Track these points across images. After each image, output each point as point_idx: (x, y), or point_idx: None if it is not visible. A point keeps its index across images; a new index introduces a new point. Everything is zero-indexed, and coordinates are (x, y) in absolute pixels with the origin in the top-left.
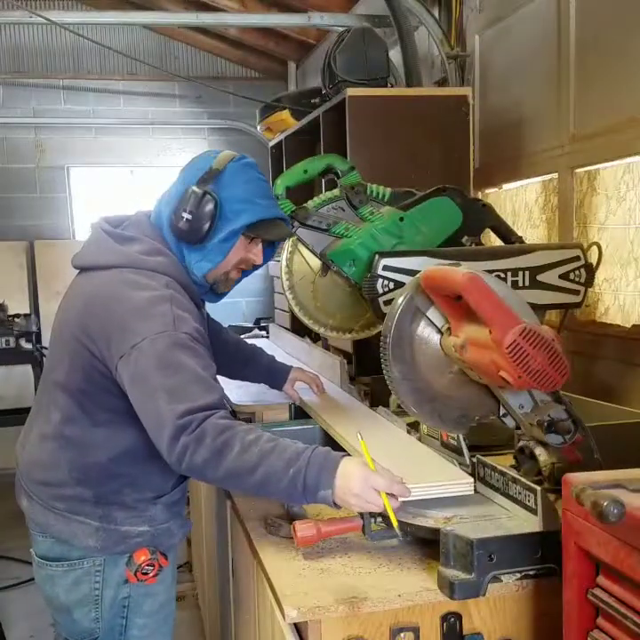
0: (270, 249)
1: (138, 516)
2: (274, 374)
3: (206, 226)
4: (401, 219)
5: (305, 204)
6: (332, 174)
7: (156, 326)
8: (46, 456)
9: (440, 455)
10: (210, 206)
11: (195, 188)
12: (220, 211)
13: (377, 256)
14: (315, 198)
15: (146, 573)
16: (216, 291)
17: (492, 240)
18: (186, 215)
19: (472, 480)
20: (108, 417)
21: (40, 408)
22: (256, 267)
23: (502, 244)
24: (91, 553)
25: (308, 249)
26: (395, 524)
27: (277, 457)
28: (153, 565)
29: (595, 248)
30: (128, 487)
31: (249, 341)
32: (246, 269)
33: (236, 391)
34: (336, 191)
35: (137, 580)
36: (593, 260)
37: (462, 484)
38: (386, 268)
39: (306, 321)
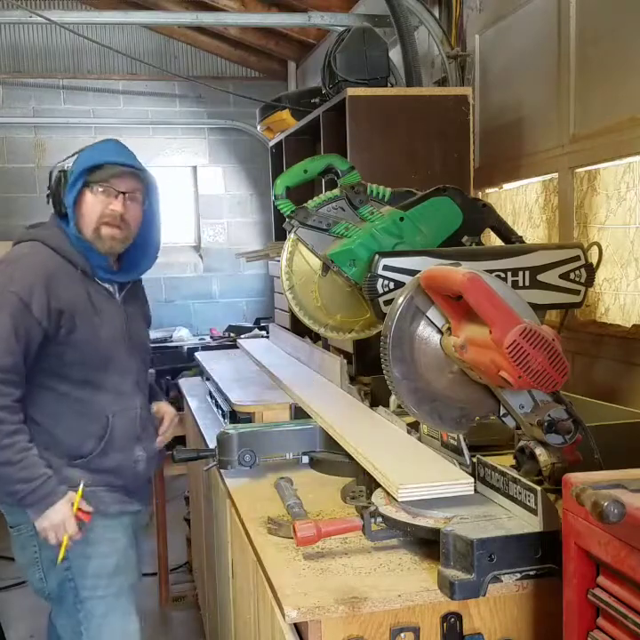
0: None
1: (56, 475)
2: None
3: (57, 192)
4: (401, 218)
5: (305, 204)
6: (332, 174)
7: None
8: None
9: (440, 455)
10: (57, 176)
11: (54, 173)
12: (67, 177)
13: (377, 256)
14: (315, 198)
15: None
16: (98, 250)
17: (492, 240)
18: (48, 191)
19: (472, 480)
20: (14, 377)
21: None
22: (124, 221)
23: (502, 243)
24: (25, 520)
25: (308, 249)
26: (61, 557)
27: (7, 454)
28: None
29: (595, 248)
30: (41, 444)
31: (249, 341)
32: (113, 223)
33: (237, 391)
34: (336, 191)
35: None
36: (593, 259)
37: (462, 484)
38: (386, 267)
39: (306, 321)
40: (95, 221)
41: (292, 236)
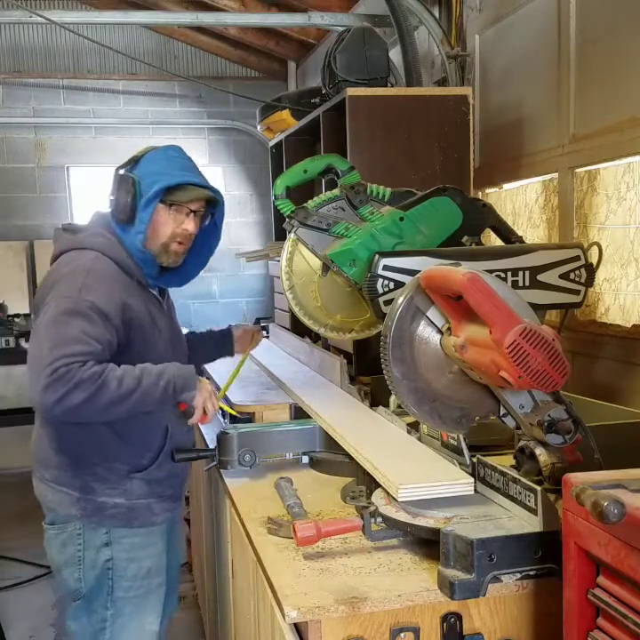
0: (213, 218)
1: (113, 488)
2: (219, 345)
3: (126, 201)
4: (401, 218)
5: (305, 204)
6: (332, 174)
7: (63, 291)
8: (36, 434)
9: (440, 455)
10: (127, 184)
11: (119, 173)
12: (139, 187)
13: (377, 256)
14: (315, 198)
15: None
16: (161, 263)
17: (492, 240)
18: (110, 197)
19: (472, 480)
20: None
21: None
22: (194, 240)
23: (502, 243)
24: (73, 520)
25: (308, 249)
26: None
27: (148, 379)
28: None
29: (595, 248)
30: (97, 457)
31: None
32: (183, 242)
33: (237, 392)
34: (336, 191)
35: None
36: (593, 259)
37: (463, 484)
38: (386, 267)
39: (306, 321)
40: (167, 238)
41: (291, 236)
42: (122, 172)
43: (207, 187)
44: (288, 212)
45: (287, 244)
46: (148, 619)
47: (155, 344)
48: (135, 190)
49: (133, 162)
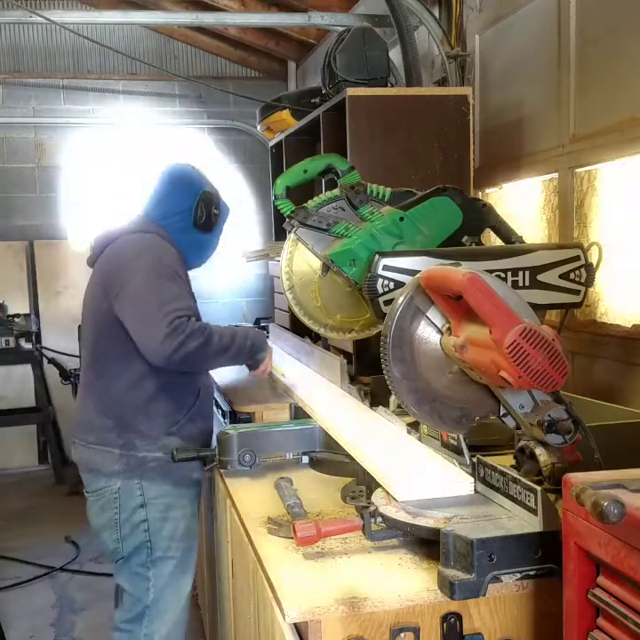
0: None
1: (153, 443)
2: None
3: (211, 219)
4: (401, 218)
5: (305, 204)
6: (332, 174)
7: (142, 264)
8: (80, 401)
9: (439, 454)
10: (215, 210)
11: (215, 195)
12: (218, 213)
13: (377, 256)
14: (315, 198)
15: None
16: (189, 268)
17: (492, 240)
18: (214, 211)
19: (472, 480)
20: (118, 354)
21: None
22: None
23: (502, 243)
24: (115, 478)
25: (308, 249)
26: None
27: (239, 338)
28: None
29: (595, 247)
30: (142, 414)
31: None
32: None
33: (237, 391)
34: (336, 191)
35: None
36: (593, 259)
37: (462, 483)
38: (386, 267)
39: (306, 321)
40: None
41: (291, 236)
42: (217, 196)
43: None
44: (288, 212)
45: (287, 244)
46: (186, 579)
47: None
48: (220, 217)
49: (215, 192)
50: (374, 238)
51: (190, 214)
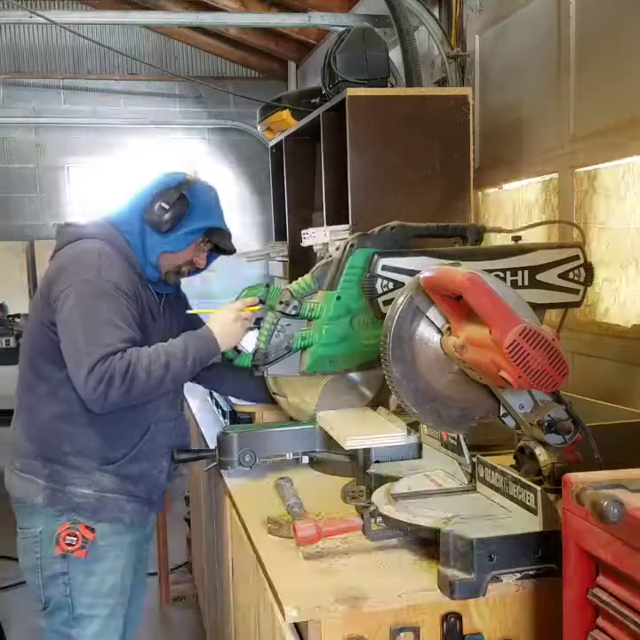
0: (210, 259)
1: (82, 478)
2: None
3: (175, 218)
4: (338, 297)
5: (257, 347)
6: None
7: (81, 274)
8: (13, 422)
9: (385, 418)
10: (183, 204)
11: (173, 188)
12: (190, 210)
13: (376, 256)
14: (259, 337)
15: (70, 544)
16: (167, 280)
17: (492, 241)
18: (162, 204)
19: (405, 433)
20: (50, 376)
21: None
22: (197, 270)
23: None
24: (37, 516)
25: (287, 377)
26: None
27: (174, 362)
28: (75, 536)
29: (576, 230)
30: (68, 445)
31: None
32: (191, 269)
33: None
34: (270, 317)
35: (63, 550)
36: (580, 239)
37: (397, 435)
38: (385, 267)
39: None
40: (184, 262)
41: (268, 377)
42: (178, 190)
43: (231, 234)
44: (249, 365)
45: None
46: None
47: (148, 341)
48: (187, 211)
49: (188, 184)
50: (331, 331)
51: (143, 211)
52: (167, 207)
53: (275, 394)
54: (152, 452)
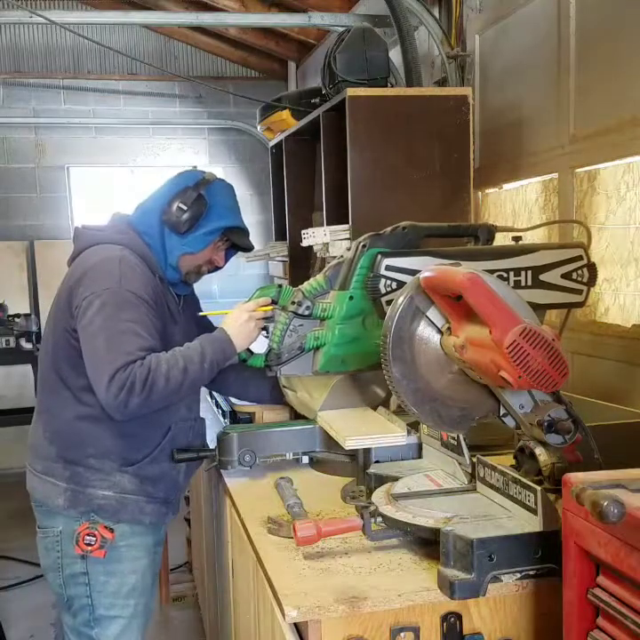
0: (230, 254)
1: (103, 480)
2: (278, 389)
3: (193, 218)
4: (350, 297)
5: (271, 348)
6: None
7: (103, 283)
8: (33, 425)
9: (384, 417)
10: (201, 204)
11: (191, 188)
12: (208, 210)
13: (379, 256)
14: (272, 337)
15: (89, 544)
16: (187, 280)
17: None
18: (180, 205)
19: (405, 433)
20: (73, 382)
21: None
22: (216, 268)
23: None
24: (59, 517)
25: (300, 378)
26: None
27: (192, 366)
28: (94, 536)
29: (582, 228)
30: (91, 447)
31: None
32: (211, 268)
33: None
34: (282, 319)
35: (82, 550)
36: (584, 239)
37: (395, 436)
38: (388, 268)
39: (313, 409)
40: (204, 262)
41: (282, 379)
42: (196, 190)
43: (248, 231)
44: (262, 365)
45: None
46: None
47: (170, 343)
48: (205, 212)
49: (206, 184)
50: (343, 331)
51: (161, 212)
52: (185, 208)
53: (284, 387)
54: (171, 453)
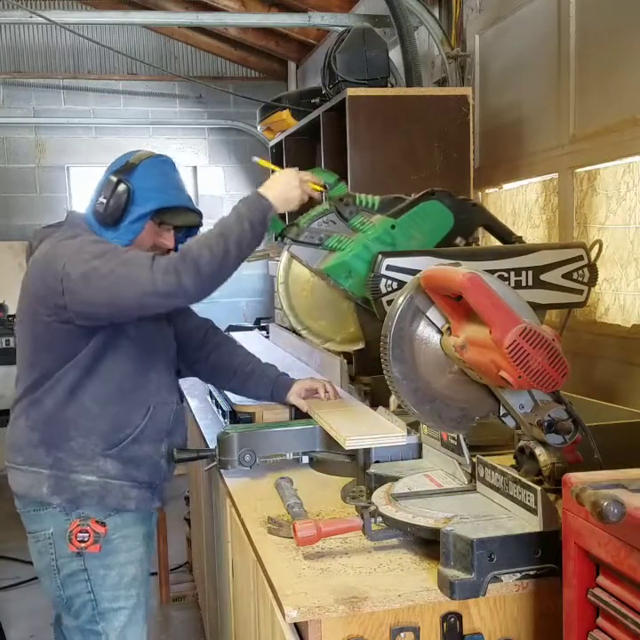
0: (183, 235)
1: (86, 464)
2: (279, 387)
3: (118, 209)
4: (392, 226)
5: (296, 221)
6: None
7: (72, 245)
8: (12, 422)
9: (384, 417)
10: (122, 191)
11: (111, 177)
12: (132, 196)
13: (380, 256)
14: (305, 214)
15: (82, 540)
16: None
17: (492, 240)
18: (101, 199)
19: (404, 433)
20: (53, 364)
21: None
22: (168, 251)
23: (499, 243)
24: (47, 509)
25: (303, 265)
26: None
27: (228, 229)
28: (86, 532)
29: (596, 247)
30: (74, 429)
31: (247, 340)
32: (162, 254)
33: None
34: (325, 205)
35: (77, 548)
36: (585, 240)
37: (395, 436)
38: (389, 267)
39: (289, 316)
40: (146, 249)
41: (285, 253)
42: (116, 177)
43: (195, 211)
44: (279, 230)
45: (283, 257)
46: (142, 630)
47: (148, 336)
48: (128, 199)
49: (129, 169)
50: (367, 249)
51: (92, 208)
52: (105, 200)
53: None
54: (153, 435)
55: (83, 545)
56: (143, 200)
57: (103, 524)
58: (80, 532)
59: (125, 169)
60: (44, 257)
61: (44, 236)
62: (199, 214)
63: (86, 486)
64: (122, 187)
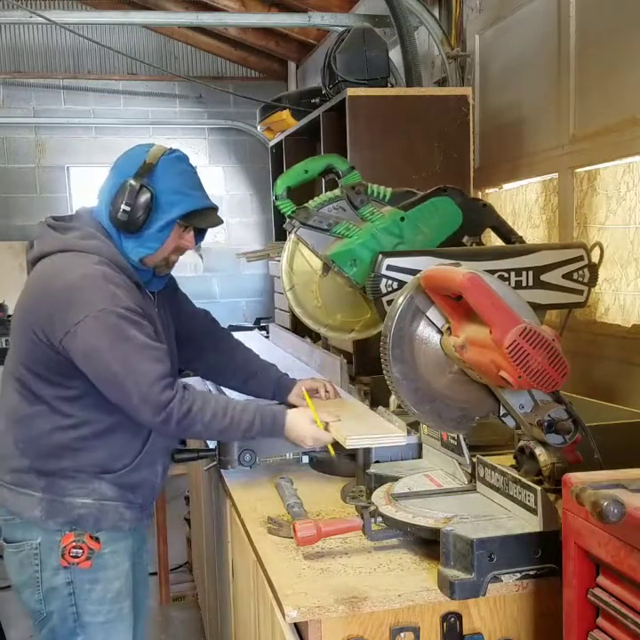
0: (201, 234)
1: (81, 487)
2: (280, 387)
3: (143, 216)
4: (402, 218)
5: (306, 204)
6: (333, 174)
7: (96, 302)
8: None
9: (384, 417)
10: (146, 198)
11: (132, 182)
12: (156, 202)
13: (380, 256)
14: (316, 198)
15: (75, 556)
16: (158, 274)
17: (492, 240)
18: (124, 207)
19: (404, 433)
20: (49, 390)
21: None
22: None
23: (502, 243)
24: (36, 529)
25: (309, 249)
26: (332, 452)
27: (239, 423)
28: (81, 548)
29: (597, 249)
30: (69, 460)
31: (247, 339)
32: (182, 254)
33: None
34: (337, 191)
35: (68, 563)
36: (594, 260)
37: (395, 436)
38: (389, 267)
39: (306, 320)
40: (170, 252)
41: (292, 236)
42: (137, 182)
43: (215, 208)
44: (289, 212)
45: (288, 245)
46: None
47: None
48: (152, 205)
49: (148, 170)
50: (375, 238)
51: (108, 212)
52: (129, 208)
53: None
54: (151, 459)
55: (75, 560)
56: (168, 205)
57: (97, 540)
58: (74, 547)
59: (144, 171)
60: (63, 288)
61: (58, 248)
62: (217, 210)
63: (82, 509)
64: (145, 193)
